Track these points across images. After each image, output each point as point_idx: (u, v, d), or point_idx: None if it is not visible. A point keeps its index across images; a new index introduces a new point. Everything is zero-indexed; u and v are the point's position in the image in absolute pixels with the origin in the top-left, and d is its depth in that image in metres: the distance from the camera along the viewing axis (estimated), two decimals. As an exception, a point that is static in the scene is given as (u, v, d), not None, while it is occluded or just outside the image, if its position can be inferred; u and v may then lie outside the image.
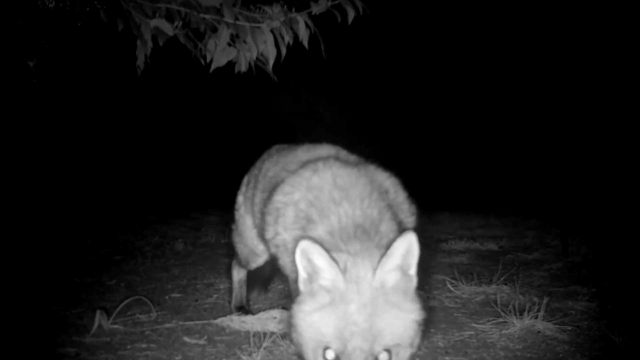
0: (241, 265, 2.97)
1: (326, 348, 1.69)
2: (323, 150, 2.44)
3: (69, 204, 7.89)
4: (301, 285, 1.79)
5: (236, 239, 2.90)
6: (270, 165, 2.59)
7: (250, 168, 2.87)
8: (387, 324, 1.68)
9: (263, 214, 2.34)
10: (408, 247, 1.73)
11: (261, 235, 2.57)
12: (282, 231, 2.13)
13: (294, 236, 2.05)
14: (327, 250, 1.73)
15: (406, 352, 1.73)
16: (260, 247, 2.74)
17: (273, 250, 2.26)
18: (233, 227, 2.93)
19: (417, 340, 1.76)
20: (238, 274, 3.03)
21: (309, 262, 1.75)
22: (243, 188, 2.85)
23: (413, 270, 1.77)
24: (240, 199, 2.86)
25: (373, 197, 2.02)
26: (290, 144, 2.72)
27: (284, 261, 2.17)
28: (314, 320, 1.72)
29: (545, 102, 11.51)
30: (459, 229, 6.01)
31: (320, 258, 1.72)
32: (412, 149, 11.83)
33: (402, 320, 1.71)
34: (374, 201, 2.01)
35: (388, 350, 1.68)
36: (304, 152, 2.46)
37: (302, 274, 1.78)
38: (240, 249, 2.88)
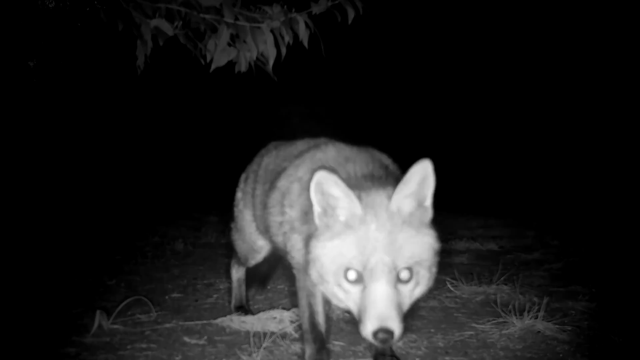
0: (240, 262, 2.97)
1: (348, 269, 1.69)
2: (321, 140, 2.45)
3: (68, 204, 7.89)
4: (317, 220, 1.79)
5: (235, 235, 2.90)
6: (270, 159, 2.60)
7: (248, 165, 2.87)
8: (407, 243, 1.70)
9: (265, 203, 2.35)
10: (424, 174, 1.74)
11: (261, 228, 2.59)
12: (289, 209, 2.13)
13: (300, 212, 2.04)
14: (343, 180, 1.74)
15: (425, 275, 1.74)
16: (259, 243, 2.75)
17: (279, 236, 2.23)
18: (232, 225, 2.93)
19: (434, 269, 1.77)
20: (237, 273, 3.03)
21: (323, 195, 1.75)
22: (241, 184, 2.85)
23: (428, 202, 1.78)
24: (238, 195, 2.86)
25: (376, 165, 2.04)
26: (288, 140, 2.73)
27: (291, 243, 2.12)
28: (334, 245, 1.73)
29: (545, 102, 11.51)
30: (459, 229, 6.01)
31: (336, 187, 1.72)
32: (412, 149, 11.83)
33: (420, 241, 1.73)
34: (377, 167, 2.03)
35: (409, 268, 1.70)
36: (303, 144, 2.48)
37: (317, 209, 1.78)
38: (239, 245, 2.88)
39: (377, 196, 1.76)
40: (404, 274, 1.69)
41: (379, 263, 1.66)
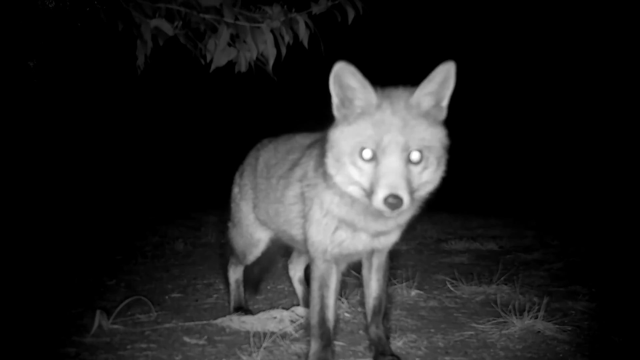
0: (238, 260, 2.95)
1: (363, 148, 1.83)
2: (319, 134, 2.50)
3: (68, 204, 7.89)
4: (335, 112, 1.92)
5: (233, 232, 2.90)
6: (269, 154, 2.62)
7: (241, 163, 2.88)
8: (419, 129, 1.84)
9: (277, 197, 2.40)
10: (447, 75, 1.87)
11: (262, 219, 2.62)
12: (312, 176, 2.17)
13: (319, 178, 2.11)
14: (359, 71, 1.85)
15: (433, 162, 1.87)
16: (257, 235, 2.75)
17: (297, 227, 2.29)
18: (229, 223, 2.93)
19: (443, 161, 1.90)
20: (234, 274, 3.01)
21: (342, 87, 1.87)
22: (237, 179, 2.86)
23: (445, 102, 1.92)
24: (235, 190, 2.86)
25: None
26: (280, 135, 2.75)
27: (310, 223, 2.17)
28: (351, 129, 1.86)
29: (545, 101, 11.52)
30: (459, 229, 6.01)
31: (353, 78, 1.85)
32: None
33: (432, 131, 1.86)
34: None
35: (420, 151, 1.83)
36: (303, 138, 2.50)
37: (335, 100, 1.91)
38: (237, 242, 2.88)
39: (396, 91, 1.91)
40: (415, 155, 1.83)
41: (392, 142, 1.80)
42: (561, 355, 2.38)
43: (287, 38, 2.71)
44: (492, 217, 6.73)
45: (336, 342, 2.51)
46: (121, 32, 2.62)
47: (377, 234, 2.12)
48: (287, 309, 2.91)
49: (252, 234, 2.77)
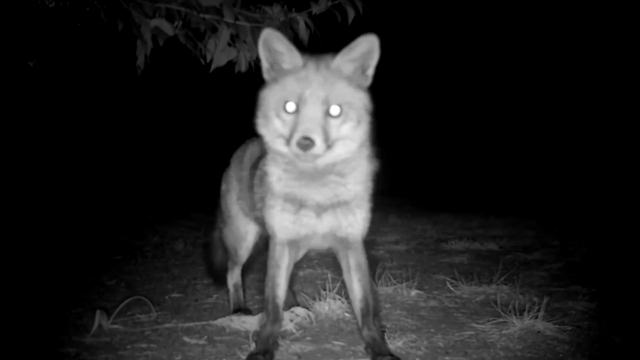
0: (233, 262, 2.95)
1: (286, 102, 1.99)
2: None
3: (69, 204, 7.90)
4: (265, 75, 2.09)
5: (224, 232, 2.92)
6: (256, 148, 2.65)
7: (229, 164, 2.92)
8: (340, 87, 2.00)
9: (251, 184, 2.52)
10: (370, 47, 2.02)
11: (245, 210, 2.69)
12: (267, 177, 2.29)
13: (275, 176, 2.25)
14: (286, 38, 2.03)
15: (353, 118, 2.01)
16: (243, 228, 2.79)
17: (260, 210, 2.39)
18: (221, 225, 2.96)
19: (364, 119, 2.04)
20: (232, 279, 3.01)
21: (270, 51, 2.04)
22: (225, 176, 2.91)
23: (370, 71, 2.07)
24: (223, 187, 2.90)
25: None
26: None
27: (266, 209, 2.30)
28: (278, 85, 2.03)
29: (545, 101, 11.52)
30: (459, 229, 6.01)
31: (280, 44, 2.02)
32: (412, 149, 11.84)
33: (352, 91, 2.02)
34: None
35: (339, 105, 1.98)
36: None
37: (265, 64, 2.08)
38: (228, 238, 2.90)
39: (320, 56, 2.05)
40: (334, 109, 1.97)
41: (313, 95, 1.95)
42: (561, 355, 2.38)
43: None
44: (492, 217, 6.73)
45: (336, 342, 2.51)
46: (121, 32, 2.62)
47: (319, 211, 2.16)
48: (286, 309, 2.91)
49: (238, 226, 2.80)
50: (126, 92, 10.93)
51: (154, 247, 4.92)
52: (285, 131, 1.99)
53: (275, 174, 2.17)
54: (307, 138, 1.90)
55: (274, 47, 2.03)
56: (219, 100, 11.49)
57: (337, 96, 1.97)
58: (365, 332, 2.31)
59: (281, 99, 2.00)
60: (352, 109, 2.00)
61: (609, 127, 10.63)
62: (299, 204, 2.17)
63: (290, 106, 1.98)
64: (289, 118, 1.99)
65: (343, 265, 2.36)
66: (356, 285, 2.32)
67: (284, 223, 2.21)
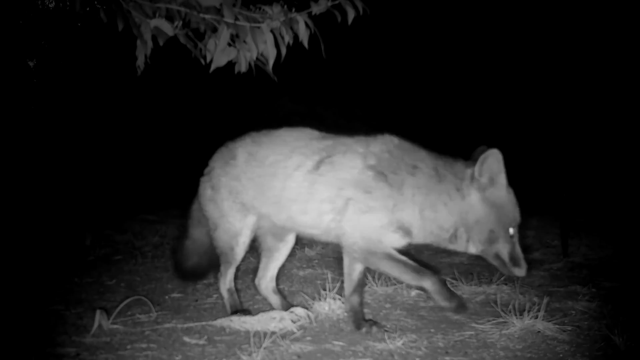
0: (227, 261, 2.93)
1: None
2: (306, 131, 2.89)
3: (69, 203, 7.89)
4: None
5: (215, 234, 2.92)
6: (258, 148, 2.83)
7: (207, 167, 3.04)
8: None
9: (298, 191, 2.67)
10: None
11: (248, 204, 2.81)
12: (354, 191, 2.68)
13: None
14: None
15: None
16: (239, 224, 2.84)
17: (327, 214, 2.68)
18: (210, 232, 2.95)
19: None
20: (224, 285, 2.96)
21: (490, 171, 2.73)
22: (207, 182, 3.00)
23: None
24: (207, 192, 2.95)
25: None
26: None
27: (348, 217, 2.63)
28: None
29: (545, 101, 11.51)
30: (459, 229, 6.00)
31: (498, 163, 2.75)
32: (412, 149, 11.79)
33: None
34: None
35: None
36: (302, 133, 2.89)
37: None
38: (223, 240, 2.90)
39: None
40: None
41: None
42: (561, 355, 2.38)
43: (287, 38, 2.71)
44: (492, 217, 6.71)
45: (336, 342, 2.51)
46: (121, 32, 2.62)
47: None
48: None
49: (233, 223, 2.84)
50: (126, 93, 10.93)
51: (154, 247, 4.92)
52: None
53: None
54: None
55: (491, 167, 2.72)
56: (218, 100, 11.48)
57: None
58: (355, 297, 2.74)
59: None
60: None
61: (608, 127, 10.62)
62: None
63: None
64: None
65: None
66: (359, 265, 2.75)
67: None
